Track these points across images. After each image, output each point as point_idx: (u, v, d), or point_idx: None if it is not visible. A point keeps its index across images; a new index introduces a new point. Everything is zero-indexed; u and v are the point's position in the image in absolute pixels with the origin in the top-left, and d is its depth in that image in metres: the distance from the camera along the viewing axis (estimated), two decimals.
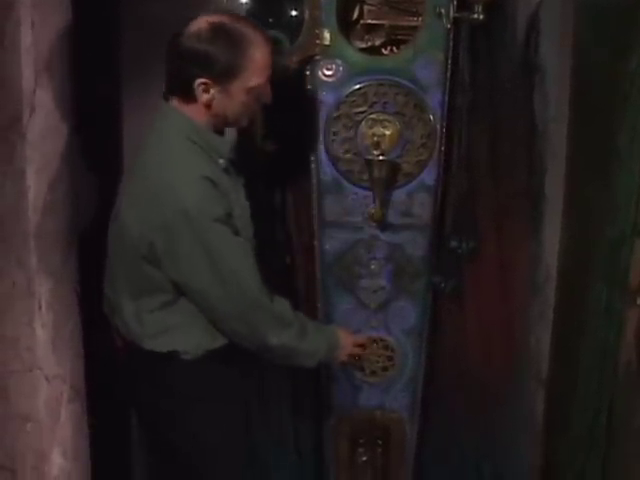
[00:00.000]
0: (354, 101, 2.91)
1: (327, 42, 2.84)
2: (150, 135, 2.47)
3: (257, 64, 2.37)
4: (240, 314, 2.44)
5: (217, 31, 2.32)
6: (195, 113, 2.41)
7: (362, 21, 2.94)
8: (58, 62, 2.68)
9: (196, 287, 2.40)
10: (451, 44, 2.89)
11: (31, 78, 2.53)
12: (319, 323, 2.81)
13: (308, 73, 2.90)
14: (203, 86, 2.35)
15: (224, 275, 2.38)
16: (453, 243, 3.14)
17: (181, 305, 2.46)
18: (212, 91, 2.36)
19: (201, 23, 2.32)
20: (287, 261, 3.15)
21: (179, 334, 2.48)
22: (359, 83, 2.90)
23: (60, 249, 2.72)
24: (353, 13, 2.95)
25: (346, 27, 2.91)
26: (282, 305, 2.53)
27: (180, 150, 2.39)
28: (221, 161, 2.46)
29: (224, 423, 2.58)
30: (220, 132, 2.51)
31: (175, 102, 2.42)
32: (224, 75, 2.34)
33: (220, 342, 2.50)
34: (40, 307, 2.64)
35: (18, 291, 2.59)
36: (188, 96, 2.38)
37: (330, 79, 2.89)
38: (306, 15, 2.81)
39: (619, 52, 2.72)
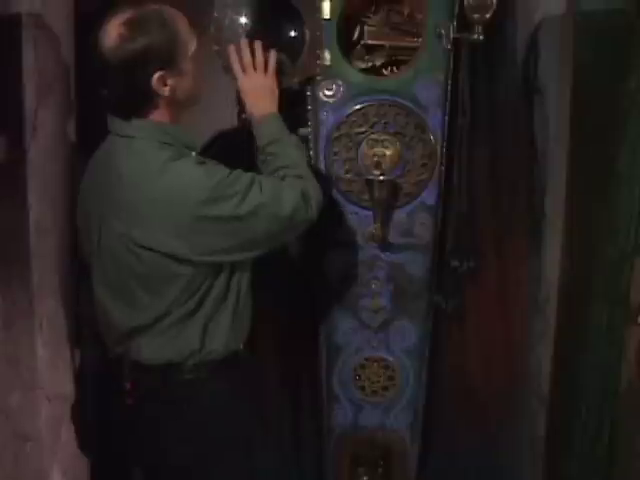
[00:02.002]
0: (355, 121, 2.91)
1: (328, 62, 2.84)
2: (116, 156, 2.41)
3: (185, 28, 2.37)
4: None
5: (138, 23, 2.29)
6: (158, 116, 2.39)
7: (363, 42, 2.95)
8: (60, 82, 2.70)
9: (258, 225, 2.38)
10: (451, 65, 2.90)
11: (33, 98, 2.54)
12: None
13: (309, 93, 2.91)
14: (161, 80, 2.32)
15: (270, 199, 2.39)
16: (454, 263, 3.14)
17: (174, 318, 2.44)
18: (169, 80, 2.34)
19: (115, 29, 2.27)
20: (288, 281, 3.15)
21: (173, 344, 2.47)
22: (360, 103, 2.90)
23: (61, 269, 2.73)
24: (354, 34, 2.96)
25: (347, 47, 2.92)
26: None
27: (161, 155, 2.35)
28: (193, 154, 2.44)
29: (226, 446, 2.57)
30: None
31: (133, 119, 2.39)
32: (172, 56, 2.33)
33: (213, 355, 2.50)
34: (41, 326, 2.64)
35: (19, 310, 2.59)
36: (146, 103, 2.36)
37: (331, 99, 2.90)
38: (307, 36, 2.81)
39: (618, 72, 2.73)
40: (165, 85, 2.34)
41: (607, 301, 2.86)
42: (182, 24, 2.37)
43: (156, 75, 2.31)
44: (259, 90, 2.71)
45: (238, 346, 2.59)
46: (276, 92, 2.72)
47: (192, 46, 2.39)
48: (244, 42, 2.73)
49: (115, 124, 2.42)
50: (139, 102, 2.37)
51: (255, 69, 2.71)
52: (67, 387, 2.79)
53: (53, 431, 2.74)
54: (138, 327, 2.47)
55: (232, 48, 2.73)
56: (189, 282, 2.41)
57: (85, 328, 2.86)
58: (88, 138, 2.78)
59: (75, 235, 2.74)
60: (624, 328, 2.80)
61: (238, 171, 2.40)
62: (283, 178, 2.52)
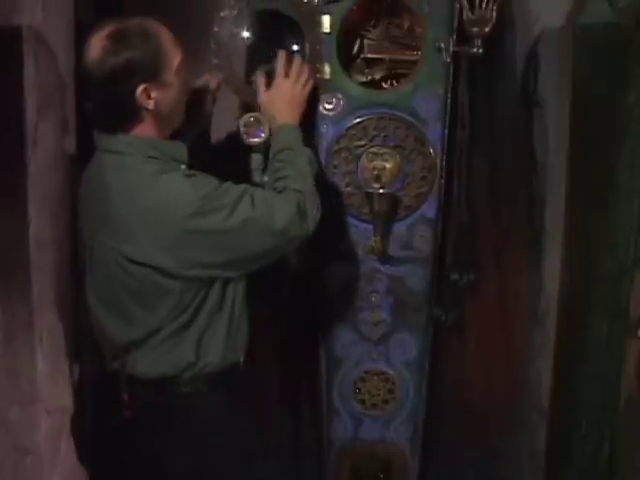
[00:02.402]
0: (354, 135, 2.91)
1: (327, 76, 2.85)
2: (104, 172, 2.41)
3: (168, 41, 2.36)
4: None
5: (121, 37, 2.28)
6: (144, 131, 2.39)
7: (362, 55, 2.96)
8: (61, 96, 2.70)
9: (248, 235, 2.37)
10: (451, 78, 2.90)
11: (34, 112, 2.55)
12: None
13: None
14: (145, 92, 2.32)
15: (260, 212, 2.38)
16: (454, 276, 3.14)
17: (167, 332, 2.44)
18: (153, 93, 2.33)
19: (99, 42, 2.28)
20: (288, 294, 3.15)
21: (167, 359, 2.47)
22: (359, 117, 2.90)
23: (61, 282, 2.73)
24: (353, 47, 2.96)
25: (347, 61, 2.92)
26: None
27: (148, 169, 2.35)
28: (183, 167, 2.43)
29: (225, 458, 2.57)
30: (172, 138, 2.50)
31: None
32: (155, 69, 2.33)
33: (209, 367, 2.50)
34: (41, 340, 2.64)
35: (19, 324, 2.59)
36: (131, 117, 2.36)
37: (330, 113, 2.90)
38: (307, 49, 2.82)
39: (617, 85, 2.74)
40: (149, 98, 2.34)
41: (607, 314, 2.86)
42: (165, 37, 2.36)
43: (140, 88, 2.31)
44: (292, 97, 2.72)
45: (237, 358, 2.58)
46: (304, 107, 2.74)
47: (176, 59, 2.38)
48: (298, 56, 2.77)
49: (102, 140, 2.43)
50: (124, 116, 2.37)
51: (298, 79, 2.73)
52: (67, 400, 2.79)
53: (53, 444, 2.73)
54: (132, 341, 2.47)
55: (283, 52, 2.75)
56: (181, 296, 2.40)
57: (85, 341, 2.85)
58: (88, 152, 2.78)
59: (75, 248, 2.75)
60: (624, 341, 2.80)
61: (228, 184, 2.40)
62: (282, 190, 2.51)
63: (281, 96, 2.72)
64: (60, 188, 2.71)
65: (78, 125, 2.80)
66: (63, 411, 2.77)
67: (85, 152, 2.73)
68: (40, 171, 2.58)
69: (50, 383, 2.69)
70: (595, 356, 2.92)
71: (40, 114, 2.57)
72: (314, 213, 2.51)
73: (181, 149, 2.47)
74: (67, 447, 2.80)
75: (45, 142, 2.60)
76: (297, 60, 2.75)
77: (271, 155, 2.65)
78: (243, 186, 2.42)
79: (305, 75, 2.74)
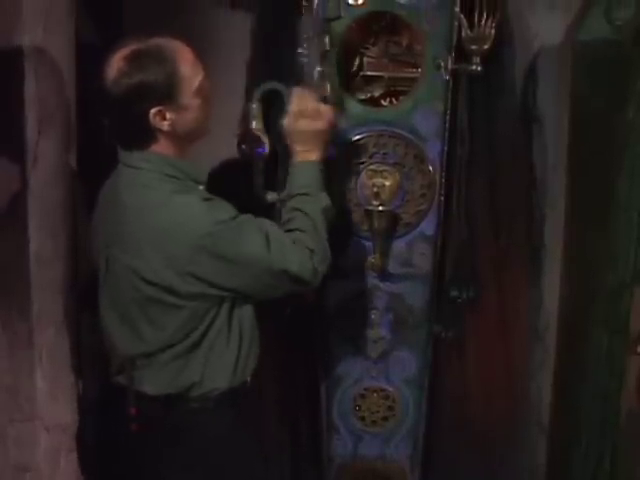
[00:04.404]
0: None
1: (327, 93, 2.85)
2: (121, 187, 2.40)
3: (188, 62, 2.34)
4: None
5: (137, 58, 2.28)
6: (161, 149, 2.38)
7: (362, 73, 2.97)
8: (62, 112, 2.70)
9: (253, 270, 2.36)
10: (450, 95, 2.91)
11: (34, 128, 2.55)
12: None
13: None
14: (159, 115, 2.31)
15: (273, 248, 2.35)
16: (453, 292, 3.14)
17: (175, 351, 2.43)
18: (168, 115, 2.32)
19: (116, 63, 2.28)
20: (287, 311, 3.15)
21: (174, 379, 2.45)
22: (359, 134, 2.91)
23: (61, 300, 2.73)
24: (353, 65, 2.97)
25: (346, 79, 2.93)
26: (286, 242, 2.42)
27: (165, 187, 2.34)
28: (201, 187, 2.43)
29: (228, 474, 2.56)
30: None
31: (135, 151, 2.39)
32: (170, 92, 2.31)
33: (218, 389, 2.49)
34: (40, 357, 2.64)
35: (19, 341, 2.59)
36: (146, 137, 2.36)
37: None
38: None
39: (616, 101, 2.75)
40: (164, 120, 2.33)
41: (607, 329, 2.87)
42: (184, 58, 2.34)
43: (153, 110, 2.30)
44: (315, 134, 2.59)
45: (244, 378, 2.57)
46: (327, 143, 2.63)
47: (196, 80, 2.35)
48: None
49: (121, 154, 2.42)
50: (139, 135, 2.36)
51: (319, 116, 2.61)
52: (66, 417, 2.78)
53: (52, 461, 2.73)
54: (139, 356, 2.46)
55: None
56: (188, 316, 2.39)
57: (87, 356, 2.85)
58: (89, 168, 2.79)
59: (76, 264, 2.75)
60: (624, 356, 2.81)
61: (244, 216, 2.38)
62: (296, 241, 2.44)
63: (302, 133, 2.60)
64: (61, 204, 2.71)
65: (79, 141, 2.81)
66: (62, 428, 2.77)
67: (86, 168, 2.75)
68: (40, 187, 2.59)
69: (49, 400, 2.69)
70: (595, 371, 2.92)
71: (41, 130, 2.58)
72: (323, 269, 2.47)
73: (200, 169, 2.47)
74: (66, 464, 2.79)
75: (46, 158, 2.61)
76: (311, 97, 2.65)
77: (287, 193, 2.59)
78: (259, 221, 2.41)
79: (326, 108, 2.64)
